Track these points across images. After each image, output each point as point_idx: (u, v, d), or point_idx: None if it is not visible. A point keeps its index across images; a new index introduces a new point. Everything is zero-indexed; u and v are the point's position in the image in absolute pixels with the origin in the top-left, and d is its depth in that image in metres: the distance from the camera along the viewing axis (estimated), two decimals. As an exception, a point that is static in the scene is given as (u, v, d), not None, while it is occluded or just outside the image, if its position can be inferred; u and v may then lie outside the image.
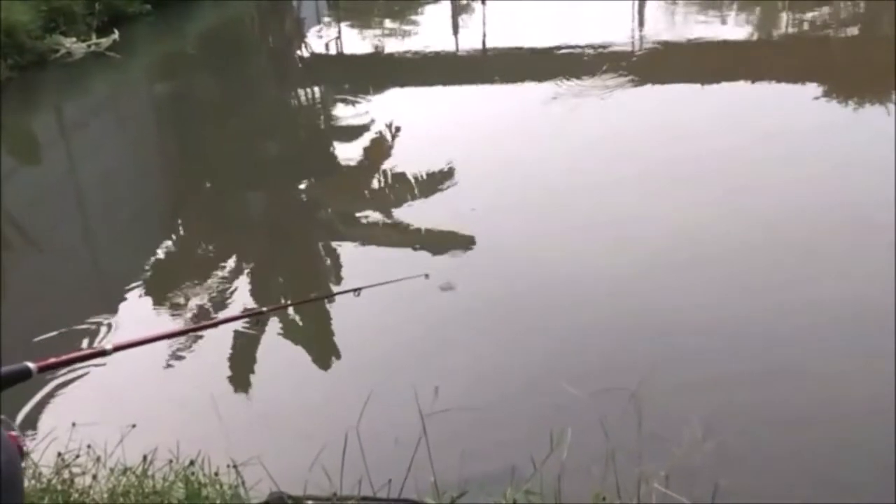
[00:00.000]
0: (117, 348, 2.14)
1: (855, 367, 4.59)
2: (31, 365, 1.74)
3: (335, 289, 6.18)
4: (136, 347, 2.17)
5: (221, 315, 5.84)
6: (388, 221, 7.25)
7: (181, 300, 6.11)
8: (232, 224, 7.76)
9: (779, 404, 4.37)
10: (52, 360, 1.81)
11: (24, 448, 1.73)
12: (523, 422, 4.19)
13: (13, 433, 1.69)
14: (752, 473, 3.69)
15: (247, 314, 3.12)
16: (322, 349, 5.39)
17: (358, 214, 7.55)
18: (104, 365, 5.00)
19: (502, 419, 4.26)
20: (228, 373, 5.14)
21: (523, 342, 5.15)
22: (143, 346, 4.98)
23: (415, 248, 6.60)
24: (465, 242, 6.47)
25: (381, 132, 9.59)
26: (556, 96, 10.44)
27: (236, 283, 6.29)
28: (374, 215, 7.46)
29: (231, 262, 6.66)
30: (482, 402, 4.13)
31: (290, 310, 5.87)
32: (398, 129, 9.59)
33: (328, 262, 6.68)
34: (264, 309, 2.95)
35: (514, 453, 3.23)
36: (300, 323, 5.79)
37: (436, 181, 7.98)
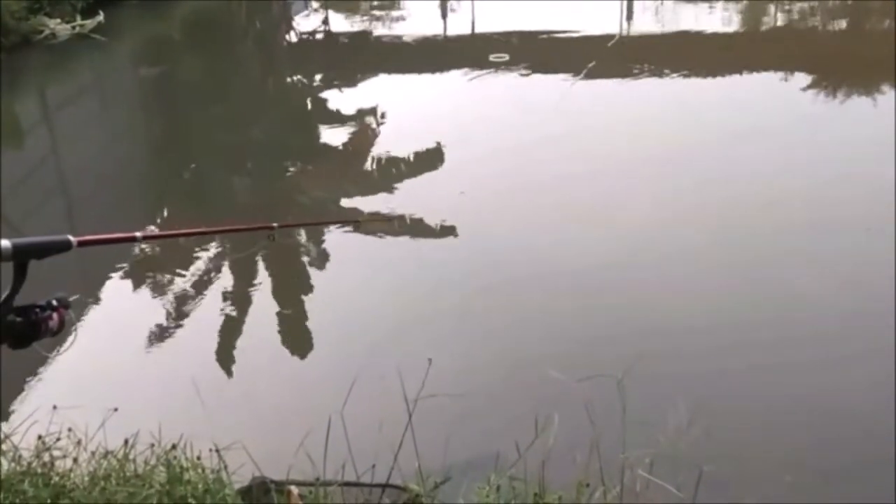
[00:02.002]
0: (146, 237, 2.39)
1: (841, 357, 4.62)
2: (71, 238, 1.87)
3: (323, 275, 6.18)
4: (161, 239, 2.16)
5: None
6: (375, 208, 7.22)
7: (163, 283, 6.08)
8: (216, 209, 7.70)
9: (763, 392, 4.39)
10: (90, 237, 1.96)
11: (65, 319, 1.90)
12: (508, 408, 4.20)
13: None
14: (736, 460, 3.71)
15: (260, 226, 3.18)
16: (301, 334, 5.39)
17: (343, 201, 7.52)
18: (86, 347, 4.98)
19: (487, 405, 4.26)
20: (211, 357, 5.12)
21: (509, 329, 5.15)
22: (129, 327, 4.98)
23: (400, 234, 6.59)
24: (446, 233, 6.44)
25: (366, 119, 9.54)
26: (544, 84, 10.43)
27: (219, 268, 6.25)
28: (359, 201, 7.43)
29: (214, 247, 6.61)
30: (467, 388, 4.13)
31: (273, 301, 5.88)
32: (383, 115, 9.55)
33: (312, 248, 6.65)
34: (275, 225, 2.99)
35: (499, 439, 3.22)
36: (280, 308, 5.80)
37: (423, 165, 7.96)
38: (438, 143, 8.20)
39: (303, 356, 5.15)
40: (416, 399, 2.97)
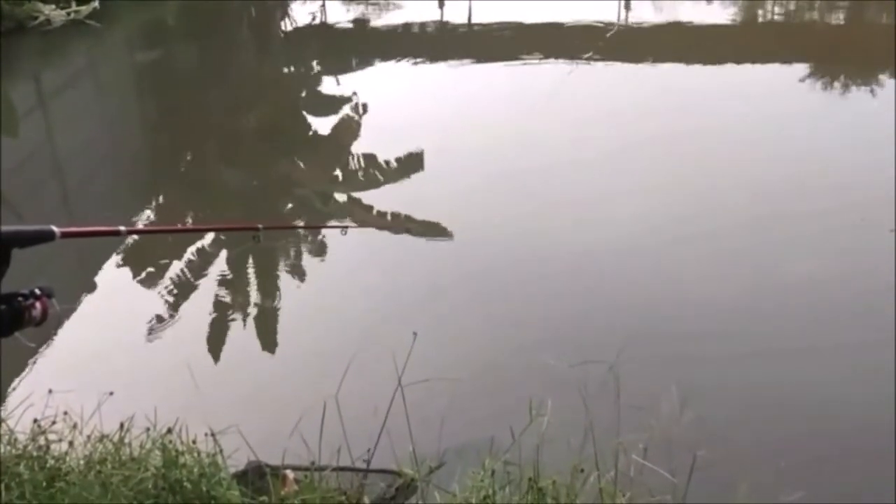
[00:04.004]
0: (130, 231, 2.39)
1: (837, 344, 4.64)
2: (55, 229, 1.85)
3: (318, 263, 6.18)
4: (145, 234, 2.14)
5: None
6: (369, 199, 7.20)
7: (159, 269, 6.08)
8: (209, 195, 7.70)
9: (755, 378, 4.41)
10: (74, 229, 1.95)
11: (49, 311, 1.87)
12: (502, 393, 4.22)
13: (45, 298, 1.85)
14: (729, 445, 3.72)
15: (245, 227, 3.19)
16: (296, 319, 5.39)
17: (337, 192, 7.51)
18: (82, 331, 5.01)
19: (481, 391, 4.27)
20: (206, 341, 5.12)
21: (502, 315, 5.16)
22: (124, 311, 4.98)
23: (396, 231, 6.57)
24: (444, 231, 6.41)
25: (349, 111, 9.52)
26: (540, 74, 10.41)
27: (214, 256, 6.25)
28: (353, 192, 7.42)
29: (209, 236, 6.60)
30: (461, 373, 4.14)
31: (268, 288, 5.87)
32: (365, 106, 9.51)
33: (307, 236, 6.64)
34: (260, 225, 3.00)
35: (493, 424, 3.23)
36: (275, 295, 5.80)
37: (418, 155, 7.94)
38: (433, 133, 8.18)
39: (298, 341, 5.15)
40: (402, 378, 2.97)
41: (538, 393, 3.12)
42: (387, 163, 7.95)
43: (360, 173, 7.92)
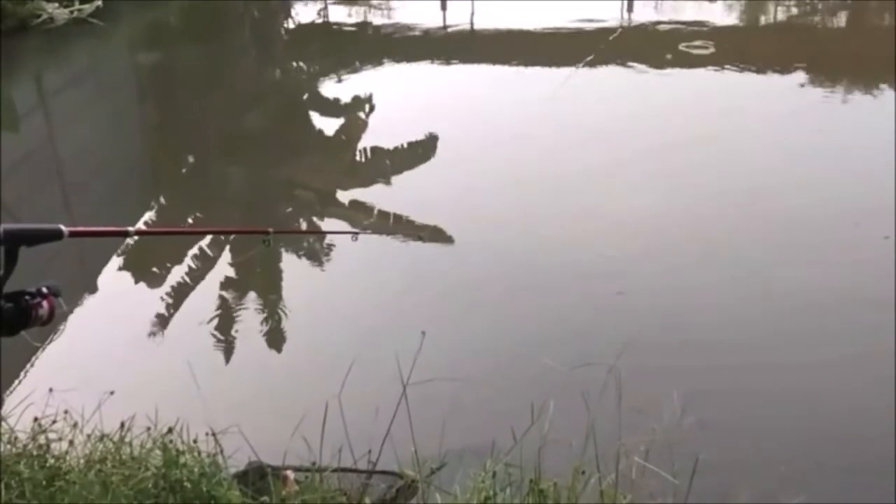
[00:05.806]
0: (138, 232, 2.40)
1: (837, 351, 4.64)
2: (63, 228, 1.84)
3: (322, 264, 6.17)
4: (154, 236, 2.14)
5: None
6: (369, 203, 7.20)
7: (161, 269, 6.08)
8: (211, 197, 7.69)
9: (756, 382, 4.41)
10: (82, 228, 1.94)
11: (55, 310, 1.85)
12: (504, 395, 4.21)
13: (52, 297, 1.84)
14: (731, 449, 3.72)
15: (255, 230, 3.21)
16: (298, 319, 5.39)
17: (339, 194, 7.51)
18: (83, 330, 5.01)
19: (483, 392, 4.27)
20: (207, 341, 5.11)
21: (505, 318, 5.16)
22: (126, 311, 4.98)
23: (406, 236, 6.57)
24: (444, 237, 6.40)
25: (356, 110, 9.52)
26: (542, 77, 10.41)
27: (216, 257, 6.24)
28: (354, 194, 7.41)
29: (211, 238, 6.60)
30: (464, 374, 4.13)
31: (271, 287, 5.86)
32: (372, 106, 9.51)
33: (311, 238, 6.64)
34: (270, 230, 3.00)
35: (495, 426, 3.23)
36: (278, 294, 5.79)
37: (419, 157, 7.94)
38: (434, 135, 8.17)
39: (300, 342, 5.15)
40: (408, 382, 2.98)
41: (540, 395, 3.13)
42: (400, 153, 7.97)
43: (364, 172, 7.93)
